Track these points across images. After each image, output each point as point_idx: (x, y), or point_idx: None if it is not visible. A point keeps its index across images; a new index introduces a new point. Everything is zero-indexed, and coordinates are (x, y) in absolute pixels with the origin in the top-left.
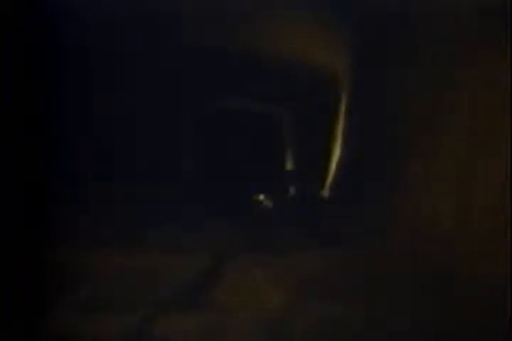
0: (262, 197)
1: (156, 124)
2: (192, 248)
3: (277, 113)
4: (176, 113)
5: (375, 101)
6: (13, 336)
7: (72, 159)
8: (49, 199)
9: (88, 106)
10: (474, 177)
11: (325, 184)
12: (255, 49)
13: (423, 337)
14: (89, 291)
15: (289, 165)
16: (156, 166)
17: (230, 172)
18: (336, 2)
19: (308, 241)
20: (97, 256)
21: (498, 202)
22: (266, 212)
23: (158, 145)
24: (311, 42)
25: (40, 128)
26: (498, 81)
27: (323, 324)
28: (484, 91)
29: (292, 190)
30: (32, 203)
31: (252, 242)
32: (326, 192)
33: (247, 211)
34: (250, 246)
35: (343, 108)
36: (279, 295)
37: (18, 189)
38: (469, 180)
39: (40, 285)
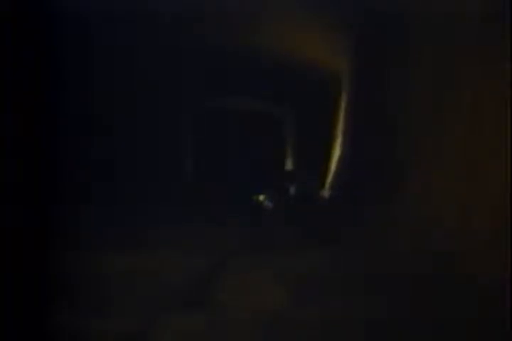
0: (261, 197)
1: (156, 124)
2: (192, 248)
3: (277, 112)
4: (175, 113)
5: (375, 101)
6: (13, 336)
7: (72, 159)
8: (49, 199)
9: (88, 106)
10: (474, 177)
11: (325, 184)
12: (255, 48)
13: (423, 336)
14: (89, 291)
15: (289, 165)
16: (156, 166)
17: (229, 172)
18: (336, 2)
19: (308, 241)
20: (97, 256)
21: (498, 202)
22: (266, 212)
23: (158, 145)
24: (311, 42)
25: (40, 129)
26: (498, 81)
27: (323, 323)
28: (484, 91)
29: (292, 190)
30: (32, 203)
31: (252, 242)
32: (326, 192)
33: (246, 211)
34: (250, 246)
35: (343, 108)
36: (279, 295)
37: (17, 189)
38: (469, 180)
39: (40, 285)
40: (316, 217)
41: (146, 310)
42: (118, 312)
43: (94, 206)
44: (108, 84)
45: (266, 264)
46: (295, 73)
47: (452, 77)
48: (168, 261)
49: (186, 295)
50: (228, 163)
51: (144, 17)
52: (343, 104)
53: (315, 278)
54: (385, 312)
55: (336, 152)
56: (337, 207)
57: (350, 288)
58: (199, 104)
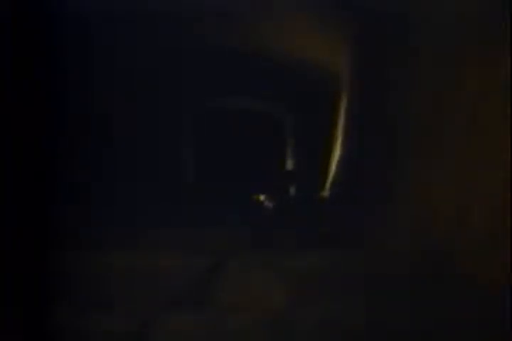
0: (262, 197)
1: (156, 124)
2: (192, 248)
3: (277, 113)
4: (175, 113)
5: (375, 101)
6: (13, 336)
7: (72, 159)
8: (49, 200)
9: (88, 106)
10: (475, 177)
11: (325, 184)
12: (255, 48)
13: (423, 337)
14: (89, 291)
15: (289, 165)
16: (156, 166)
17: (229, 172)
18: (336, 1)
19: (308, 241)
20: (97, 256)
21: (499, 202)
22: (266, 212)
23: (158, 145)
24: (311, 42)
25: (40, 129)
26: (498, 81)
27: (323, 324)
28: (484, 91)
29: (292, 190)
30: (32, 203)
31: (252, 242)
32: (326, 192)
33: (246, 211)
34: (250, 246)
35: (343, 107)
36: (279, 295)
37: (17, 189)
38: (469, 180)
39: (40, 285)
40: (316, 217)
41: (146, 310)
42: (118, 312)
43: (94, 206)
44: (108, 84)
45: (266, 264)
46: (295, 73)
47: (452, 77)
48: (168, 260)
49: (186, 295)
50: (228, 163)
51: (144, 17)
52: (342, 104)
53: (315, 278)
54: (385, 312)
55: (336, 152)
56: (337, 207)
57: (350, 288)
58: (199, 104)
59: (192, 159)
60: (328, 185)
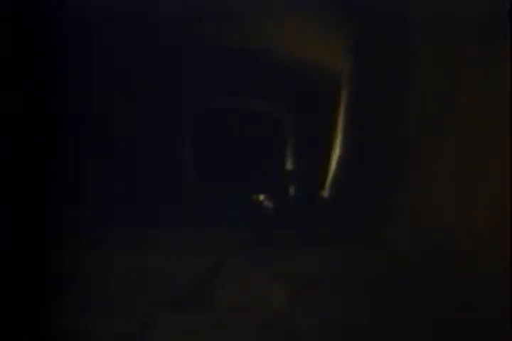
0: (262, 197)
1: (156, 124)
2: (192, 248)
3: (277, 113)
4: (175, 112)
5: (375, 101)
6: (13, 336)
7: (72, 159)
8: (49, 200)
9: (88, 106)
10: (475, 177)
11: (325, 184)
12: (255, 48)
13: (423, 337)
14: (89, 291)
15: (289, 165)
16: (156, 166)
17: (229, 172)
18: (336, 1)
19: (308, 241)
20: (97, 256)
21: (499, 202)
22: (266, 212)
23: (158, 145)
24: (311, 42)
25: (40, 129)
26: (498, 81)
27: (323, 324)
28: (484, 91)
29: (292, 190)
30: (32, 203)
31: (252, 242)
32: (326, 192)
33: (246, 211)
34: (250, 246)
35: (343, 107)
36: (279, 295)
37: (17, 189)
38: (470, 179)
39: (40, 286)
40: (316, 217)
41: (146, 310)
42: (118, 312)
43: (94, 206)
44: (108, 84)
45: (266, 264)
46: (295, 73)
47: (452, 77)
48: (168, 261)
49: (186, 295)
50: (228, 163)
51: (144, 17)
52: (342, 104)
53: (315, 278)
54: (385, 312)
55: (336, 152)
56: (337, 207)
57: (350, 288)
58: (199, 104)
59: (192, 159)
60: (328, 185)
